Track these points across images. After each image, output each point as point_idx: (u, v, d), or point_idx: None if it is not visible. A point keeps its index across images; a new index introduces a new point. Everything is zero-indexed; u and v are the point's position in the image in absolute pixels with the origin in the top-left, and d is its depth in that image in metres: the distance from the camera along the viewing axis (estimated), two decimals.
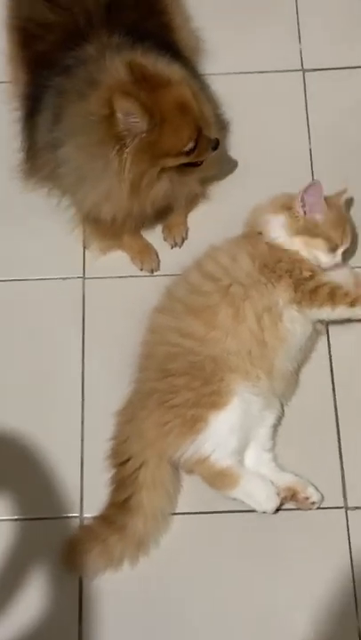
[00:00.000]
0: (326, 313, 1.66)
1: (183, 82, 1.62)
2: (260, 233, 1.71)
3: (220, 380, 1.60)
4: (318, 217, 1.69)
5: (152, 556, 1.60)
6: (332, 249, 1.69)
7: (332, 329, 1.76)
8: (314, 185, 1.68)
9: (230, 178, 1.94)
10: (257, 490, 1.60)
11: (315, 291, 1.65)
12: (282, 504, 1.61)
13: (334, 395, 1.72)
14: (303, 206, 1.68)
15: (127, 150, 1.58)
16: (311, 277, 1.66)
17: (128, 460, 1.61)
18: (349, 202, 1.82)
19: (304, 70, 2.03)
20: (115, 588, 1.58)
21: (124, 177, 1.60)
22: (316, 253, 1.68)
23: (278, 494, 1.60)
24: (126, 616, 1.56)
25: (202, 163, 1.71)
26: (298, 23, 2.08)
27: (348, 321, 1.72)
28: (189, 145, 1.63)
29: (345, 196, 1.76)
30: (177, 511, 1.63)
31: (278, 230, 1.69)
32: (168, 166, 1.65)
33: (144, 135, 1.57)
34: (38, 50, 1.82)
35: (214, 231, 1.78)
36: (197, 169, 1.72)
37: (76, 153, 1.65)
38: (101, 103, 1.57)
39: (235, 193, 1.91)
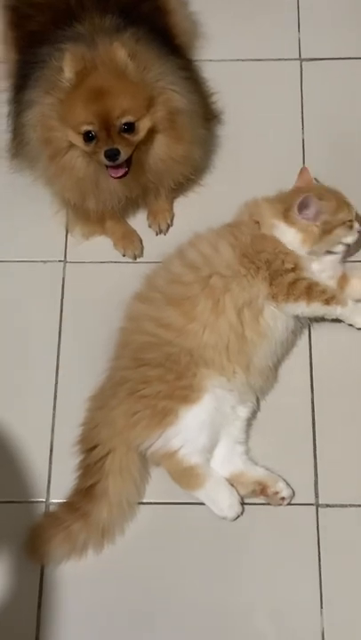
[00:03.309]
0: (301, 308, 1.63)
1: (125, 76, 1.60)
2: (257, 222, 1.68)
3: (193, 374, 1.58)
4: (324, 216, 1.67)
5: (117, 545, 1.58)
6: (350, 227, 1.69)
7: (314, 325, 1.73)
8: (305, 199, 1.65)
9: (222, 166, 1.91)
10: (221, 495, 1.57)
11: (293, 283, 1.62)
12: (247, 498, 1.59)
13: (312, 391, 1.69)
14: (308, 219, 1.66)
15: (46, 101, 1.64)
16: (293, 270, 1.63)
17: (96, 446, 1.60)
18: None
19: (302, 60, 2.00)
20: (77, 575, 1.56)
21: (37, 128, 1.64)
22: (342, 241, 1.68)
23: (241, 502, 1.58)
24: (87, 604, 1.55)
25: (111, 167, 1.66)
26: (298, 11, 2.04)
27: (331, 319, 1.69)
28: (83, 127, 1.62)
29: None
30: (144, 501, 1.61)
31: (294, 244, 1.66)
32: (72, 142, 1.64)
33: (58, 96, 1.62)
34: (29, 30, 1.81)
35: (202, 220, 1.74)
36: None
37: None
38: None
39: (226, 181, 1.88)
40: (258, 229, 1.68)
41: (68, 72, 1.60)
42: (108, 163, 1.64)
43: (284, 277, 1.62)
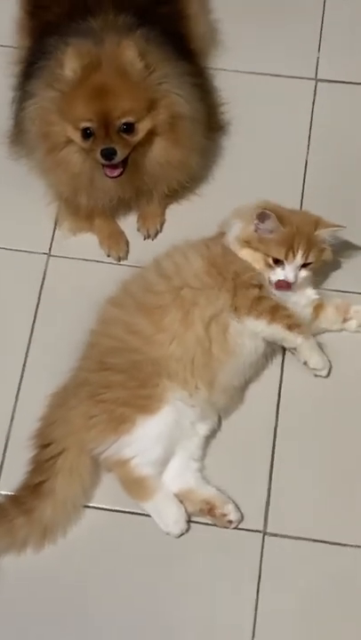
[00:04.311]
0: (262, 326, 1.59)
1: (126, 77, 1.59)
2: (224, 233, 1.67)
3: (155, 385, 1.56)
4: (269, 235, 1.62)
5: (58, 545, 1.57)
6: (269, 265, 1.62)
7: (288, 352, 1.69)
8: (270, 218, 1.61)
9: (221, 177, 1.88)
10: (168, 510, 1.56)
11: (258, 299, 1.59)
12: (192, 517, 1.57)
13: (277, 419, 1.66)
14: (257, 226, 1.63)
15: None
16: (259, 287, 1.60)
17: (50, 444, 1.58)
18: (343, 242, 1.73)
19: (317, 80, 1.96)
20: (14, 571, 1.55)
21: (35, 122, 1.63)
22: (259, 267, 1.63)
23: (189, 520, 1.56)
24: (21, 601, 1.54)
25: (107, 166, 1.64)
26: (321, 31, 2.01)
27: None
28: (81, 123, 1.60)
29: (337, 231, 1.67)
30: (91, 504, 1.60)
31: (232, 236, 1.65)
32: (71, 137, 1.63)
33: (59, 90, 1.60)
34: (45, 19, 1.81)
35: (193, 230, 1.73)
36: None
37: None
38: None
39: (224, 193, 1.85)
40: (221, 241, 1.66)
41: (69, 68, 1.58)
42: (103, 161, 1.63)
43: (250, 291, 1.59)
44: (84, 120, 1.61)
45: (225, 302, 1.59)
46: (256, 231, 1.63)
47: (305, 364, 1.64)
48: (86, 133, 1.62)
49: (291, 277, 1.62)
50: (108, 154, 1.62)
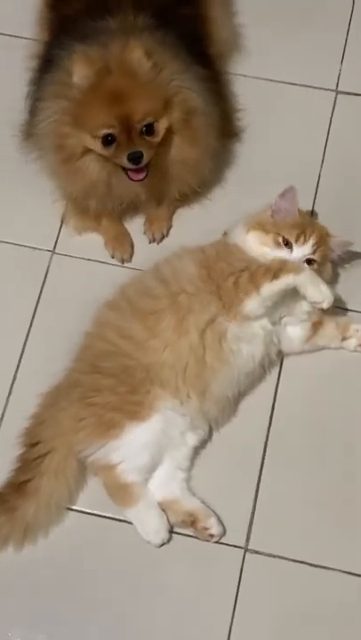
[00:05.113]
0: (256, 302, 1.54)
1: (149, 83, 1.56)
2: (225, 234, 1.65)
3: (146, 391, 1.55)
4: (283, 216, 1.62)
5: (38, 546, 1.56)
6: (278, 243, 1.60)
7: (285, 369, 1.67)
8: (292, 192, 1.62)
9: (235, 184, 1.86)
10: (150, 519, 1.55)
11: (236, 283, 1.55)
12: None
13: (268, 435, 1.64)
14: (275, 206, 1.62)
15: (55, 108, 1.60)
16: (232, 273, 1.56)
17: (38, 443, 1.58)
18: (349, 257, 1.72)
19: (338, 92, 1.93)
20: None
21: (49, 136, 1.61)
22: (264, 250, 1.60)
23: (171, 530, 1.55)
24: None
25: (132, 170, 1.62)
26: (346, 43, 1.97)
27: (303, 366, 1.65)
28: (102, 131, 1.57)
29: (347, 244, 1.66)
30: (75, 507, 1.59)
31: (240, 224, 1.63)
32: (89, 147, 1.60)
33: (72, 100, 1.57)
34: (64, 14, 1.79)
35: (201, 235, 1.71)
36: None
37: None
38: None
39: (235, 200, 1.83)
40: (224, 242, 1.65)
41: (78, 76, 1.55)
42: (131, 166, 1.60)
43: (228, 283, 1.56)
44: (104, 127, 1.57)
45: (218, 307, 1.57)
46: (272, 216, 1.62)
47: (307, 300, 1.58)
48: (107, 140, 1.59)
49: (297, 260, 1.59)
50: (136, 157, 1.59)
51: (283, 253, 1.60)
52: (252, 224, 1.64)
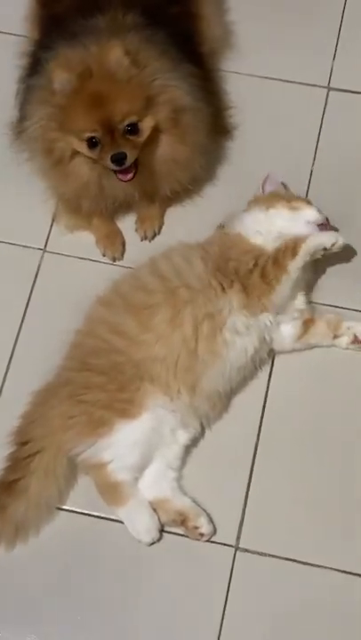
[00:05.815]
0: (288, 283, 1.59)
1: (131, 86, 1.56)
2: (222, 226, 1.66)
3: (136, 388, 1.54)
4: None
5: (29, 545, 1.56)
6: (296, 208, 1.67)
7: (276, 367, 1.67)
8: (268, 177, 1.73)
9: (226, 181, 1.85)
10: (141, 518, 1.54)
11: (262, 274, 1.58)
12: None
13: (259, 433, 1.64)
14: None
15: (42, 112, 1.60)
16: (255, 266, 1.59)
17: (28, 442, 1.57)
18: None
19: (330, 89, 1.92)
20: None
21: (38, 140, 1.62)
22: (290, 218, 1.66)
23: (160, 530, 1.55)
24: None
25: (119, 171, 1.62)
26: (338, 40, 1.96)
27: (294, 364, 1.65)
28: (85, 134, 1.57)
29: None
30: (66, 507, 1.59)
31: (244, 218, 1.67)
32: (77, 149, 1.60)
33: (56, 106, 1.57)
34: (55, 11, 1.78)
35: (193, 233, 1.71)
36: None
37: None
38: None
39: (227, 197, 1.82)
40: (223, 234, 1.66)
41: (59, 81, 1.55)
42: (115, 167, 1.60)
43: (253, 278, 1.58)
44: (87, 130, 1.58)
45: (230, 301, 1.57)
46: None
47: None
48: (92, 143, 1.59)
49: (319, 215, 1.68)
50: (119, 159, 1.59)
51: (302, 217, 1.66)
52: (265, 204, 1.68)
